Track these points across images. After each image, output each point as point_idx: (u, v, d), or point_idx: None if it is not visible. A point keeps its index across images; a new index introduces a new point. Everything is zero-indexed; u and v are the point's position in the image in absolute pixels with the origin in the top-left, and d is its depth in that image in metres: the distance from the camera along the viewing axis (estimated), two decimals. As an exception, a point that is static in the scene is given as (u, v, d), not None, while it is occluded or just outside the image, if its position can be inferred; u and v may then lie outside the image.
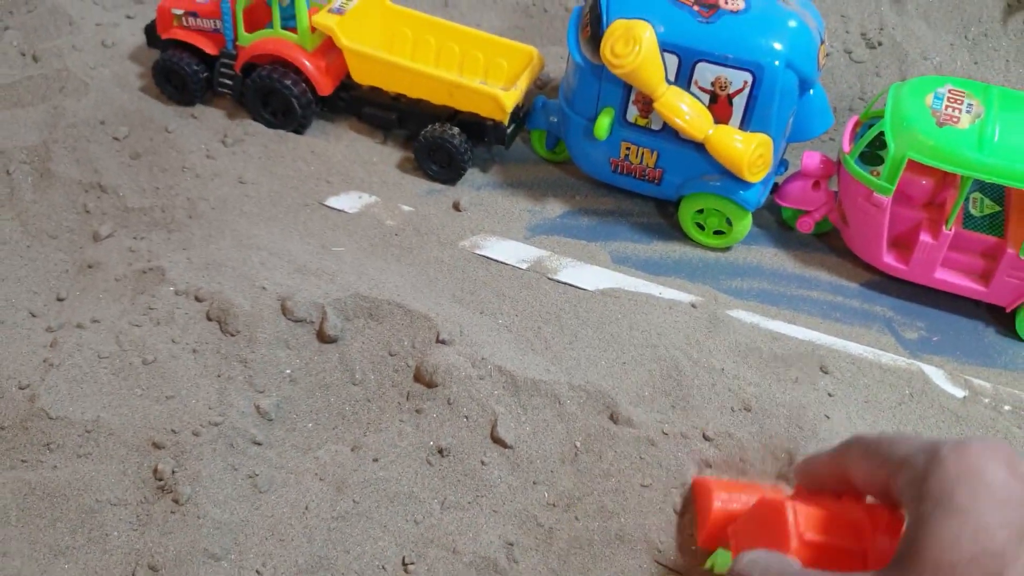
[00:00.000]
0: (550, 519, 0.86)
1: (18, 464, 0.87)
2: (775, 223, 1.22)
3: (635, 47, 1.03)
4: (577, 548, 0.85)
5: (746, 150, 1.06)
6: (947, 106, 1.05)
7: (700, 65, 1.05)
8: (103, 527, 0.83)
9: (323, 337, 0.99)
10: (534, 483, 0.89)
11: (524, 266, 1.13)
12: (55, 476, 0.85)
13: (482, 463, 0.89)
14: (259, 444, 0.91)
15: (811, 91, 1.11)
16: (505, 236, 1.17)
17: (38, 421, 0.89)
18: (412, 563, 0.83)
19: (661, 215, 1.22)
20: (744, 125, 1.07)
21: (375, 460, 0.89)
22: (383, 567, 0.83)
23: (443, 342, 0.97)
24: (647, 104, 1.09)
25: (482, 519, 0.86)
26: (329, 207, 1.18)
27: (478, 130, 1.21)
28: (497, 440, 0.90)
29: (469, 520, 0.86)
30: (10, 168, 1.19)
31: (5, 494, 0.85)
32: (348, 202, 1.19)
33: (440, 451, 0.89)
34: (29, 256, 1.11)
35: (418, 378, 0.95)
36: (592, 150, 1.17)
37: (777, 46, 1.04)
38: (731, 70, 1.04)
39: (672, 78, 1.06)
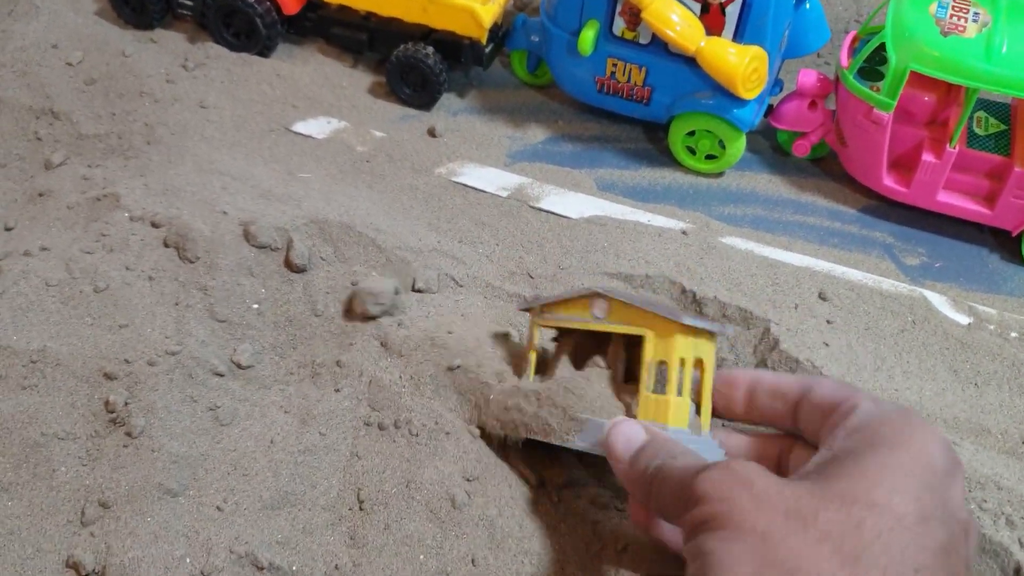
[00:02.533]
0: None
1: (-43, 396, 0.80)
2: (769, 148, 1.16)
3: (621, -48, 0.97)
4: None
5: (740, 63, 1.00)
6: (952, 15, 0.99)
7: (690, -28, 0.98)
8: (50, 462, 0.77)
9: (290, 266, 0.92)
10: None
11: (504, 194, 1.06)
12: (-3, 409, 0.79)
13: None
14: (221, 375, 0.84)
15: (807, 3, 1.04)
16: (484, 163, 1.10)
17: (-21, 351, 0.82)
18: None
19: (650, 140, 1.16)
20: (737, 37, 1.01)
21: (337, 391, 0.83)
22: (350, 508, 0.77)
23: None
24: (634, 15, 1.02)
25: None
26: (296, 132, 1.11)
27: (454, 50, 1.14)
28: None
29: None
30: (-46, 93, 1.11)
31: (-57, 427, 0.78)
32: (316, 127, 1.12)
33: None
34: (-25, 185, 1.04)
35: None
36: (576, 68, 1.10)
37: (772, -48, 0.97)
38: (723, -23, 0.98)
39: (660, -14, 1.00)
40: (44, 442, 0.78)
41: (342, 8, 1.18)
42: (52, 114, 1.10)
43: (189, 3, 1.20)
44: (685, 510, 0.54)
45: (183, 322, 0.87)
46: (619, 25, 1.04)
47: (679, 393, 0.67)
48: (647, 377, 0.68)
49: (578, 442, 0.69)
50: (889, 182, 1.06)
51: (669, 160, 1.13)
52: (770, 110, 1.12)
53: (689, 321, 0.66)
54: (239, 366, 0.86)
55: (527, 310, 0.79)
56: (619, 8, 1.03)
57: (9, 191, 1.04)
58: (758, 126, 1.11)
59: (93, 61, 1.17)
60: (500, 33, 1.17)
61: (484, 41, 1.13)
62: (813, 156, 1.13)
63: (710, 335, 0.70)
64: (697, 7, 1.00)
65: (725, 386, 0.70)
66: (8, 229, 0.99)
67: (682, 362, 0.67)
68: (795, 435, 0.67)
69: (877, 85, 1.01)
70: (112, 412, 0.80)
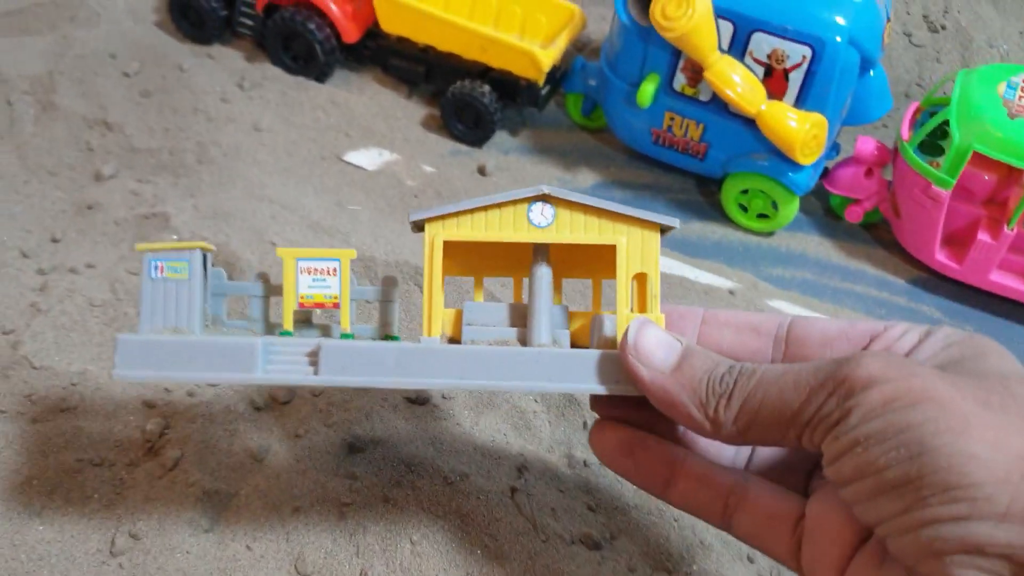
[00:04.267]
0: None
1: (-4, 414, 0.80)
2: (821, 210, 1.15)
3: (688, 10, 0.96)
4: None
5: (800, 129, 0.99)
6: (1021, 96, 0.97)
7: (757, 35, 0.97)
8: (83, 488, 0.77)
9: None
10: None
11: (551, 238, 1.05)
12: (34, 430, 0.79)
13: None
14: (259, 409, 0.84)
15: (871, 72, 1.03)
16: (532, 205, 1.10)
17: (20, 370, 0.82)
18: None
19: (701, 193, 1.15)
20: (799, 103, 1.00)
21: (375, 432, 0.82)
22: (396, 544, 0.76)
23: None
24: (696, 72, 1.01)
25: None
26: (347, 162, 1.11)
27: (510, 89, 1.13)
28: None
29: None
30: (11, 98, 1.12)
31: (-21, 446, 0.78)
32: (367, 158, 1.12)
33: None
34: (25, 192, 1.04)
35: None
36: (633, 118, 1.09)
37: (840, 20, 0.96)
38: (790, 43, 0.97)
39: (725, 47, 0.99)
40: (79, 468, 0.78)
41: (401, 40, 1.18)
42: (105, 125, 1.10)
43: (249, 22, 1.20)
44: (831, 398, 0.48)
45: (224, 353, 0.86)
46: (680, 80, 1.04)
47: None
48: (625, 295, 0.57)
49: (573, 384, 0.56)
50: (942, 258, 1.04)
51: (720, 215, 1.12)
52: (825, 173, 1.11)
53: (666, 221, 0.57)
54: (277, 401, 0.85)
55: (422, 223, 0.58)
56: (681, 64, 1.02)
57: (58, 201, 1.04)
58: (812, 187, 1.10)
59: (150, 73, 1.17)
60: (557, 75, 1.16)
61: (541, 82, 1.12)
62: (865, 222, 1.12)
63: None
64: (760, 70, 0.99)
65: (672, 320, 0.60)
66: (55, 240, 0.99)
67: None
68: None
69: (937, 161, 1.00)
70: (149, 442, 0.80)
